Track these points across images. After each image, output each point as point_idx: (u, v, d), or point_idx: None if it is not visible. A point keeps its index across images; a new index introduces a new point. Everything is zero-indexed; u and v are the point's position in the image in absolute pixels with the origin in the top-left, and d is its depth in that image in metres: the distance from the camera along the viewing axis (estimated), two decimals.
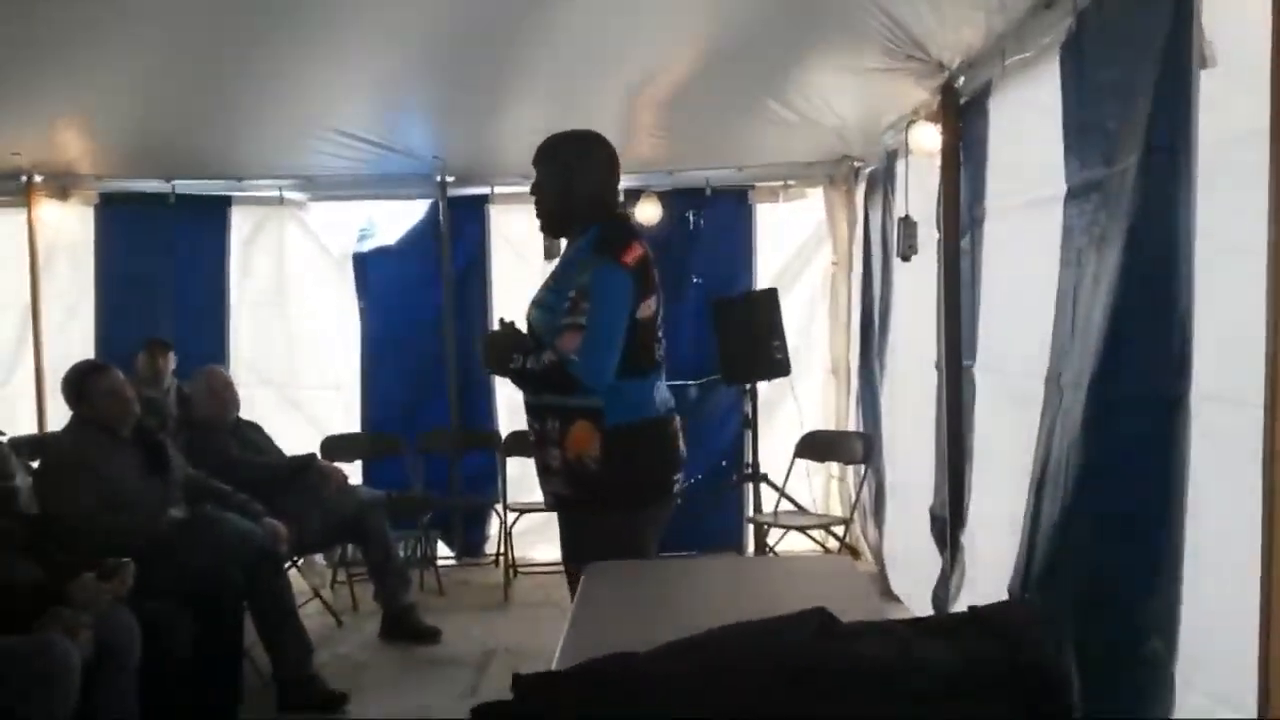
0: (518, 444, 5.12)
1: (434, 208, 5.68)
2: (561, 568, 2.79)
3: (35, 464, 4.21)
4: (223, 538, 3.56)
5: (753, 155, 5.27)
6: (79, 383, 3.55)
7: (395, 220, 5.79)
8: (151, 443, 3.63)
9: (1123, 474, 2.35)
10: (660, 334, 2.67)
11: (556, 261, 2.76)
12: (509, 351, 2.58)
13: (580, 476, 2.54)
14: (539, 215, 2.70)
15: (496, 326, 2.69)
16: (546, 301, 2.59)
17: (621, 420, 2.53)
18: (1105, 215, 2.47)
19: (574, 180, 2.61)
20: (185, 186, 5.44)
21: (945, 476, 3.75)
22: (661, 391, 2.67)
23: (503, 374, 2.67)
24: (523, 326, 2.66)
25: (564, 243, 2.78)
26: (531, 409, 2.63)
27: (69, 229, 5.51)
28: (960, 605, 3.48)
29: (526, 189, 5.98)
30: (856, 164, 5.33)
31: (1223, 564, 2.03)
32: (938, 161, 3.76)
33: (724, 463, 5.67)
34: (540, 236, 5.34)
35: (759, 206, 5.73)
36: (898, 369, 4.66)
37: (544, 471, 2.64)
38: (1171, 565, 2.14)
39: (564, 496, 2.61)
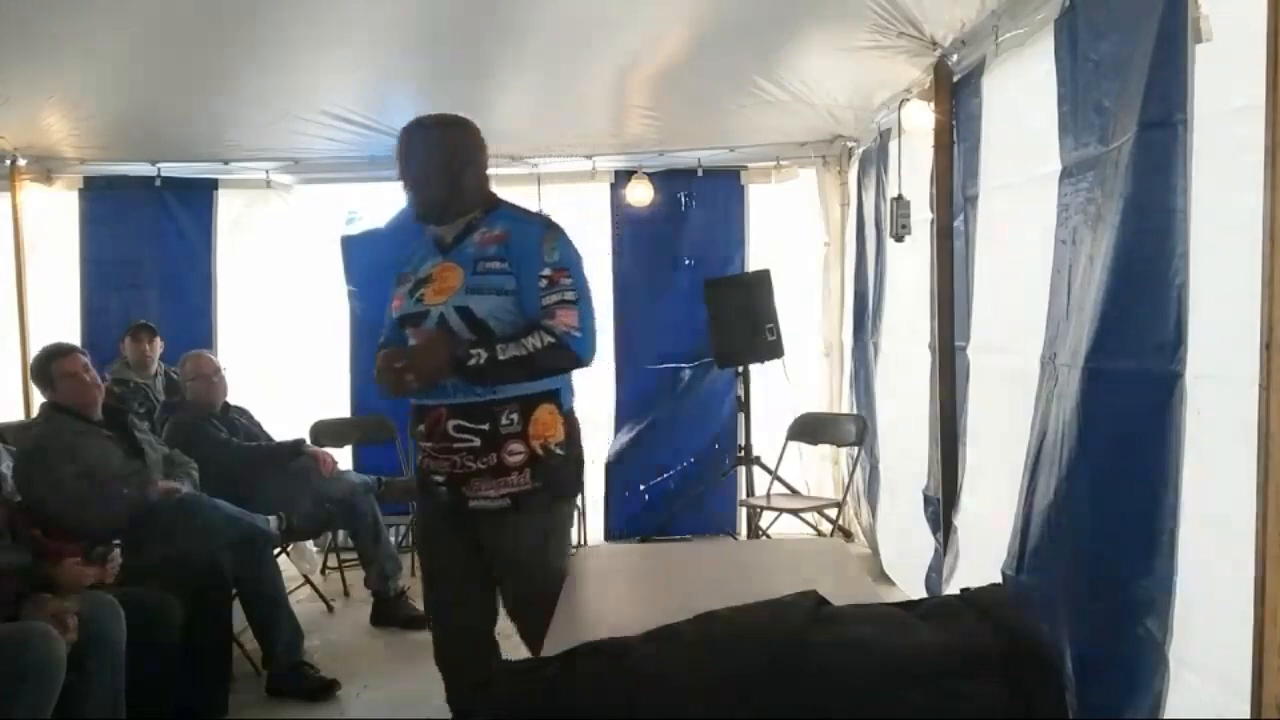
0: None
1: None
2: None
3: None
4: (209, 522, 3.54)
5: (744, 135, 5.23)
6: (44, 367, 3.54)
7: (383, 203, 5.74)
8: (121, 425, 3.60)
9: (1118, 453, 2.33)
10: None
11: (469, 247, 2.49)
12: (453, 350, 2.34)
13: (544, 466, 2.44)
14: (419, 202, 2.52)
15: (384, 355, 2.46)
16: (503, 286, 2.40)
17: (571, 402, 2.53)
18: (1101, 193, 2.44)
19: (458, 163, 2.49)
20: (171, 169, 5.39)
21: (939, 458, 3.73)
22: None
23: (450, 377, 2.36)
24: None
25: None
26: (477, 410, 2.40)
27: (54, 213, 5.46)
28: (954, 587, 3.47)
29: (515, 171, 5.93)
30: (849, 144, 5.29)
31: (1217, 544, 2.02)
32: (930, 140, 3.73)
33: (717, 446, 5.67)
34: None
35: (751, 187, 5.70)
36: (891, 350, 4.64)
37: (496, 474, 2.41)
38: (1166, 545, 2.13)
39: (524, 494, 2.42)
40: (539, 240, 2.45)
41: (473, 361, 2.33)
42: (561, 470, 2.47)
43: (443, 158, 2.49)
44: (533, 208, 5.36)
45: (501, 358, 2.33)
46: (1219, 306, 2.03)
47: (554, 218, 5.87)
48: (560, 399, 2.48)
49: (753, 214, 5.72)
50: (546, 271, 2.40)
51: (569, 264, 2.44)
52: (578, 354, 2.41)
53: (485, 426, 2.40)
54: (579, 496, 2.62)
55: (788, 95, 4.55)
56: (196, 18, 3.69)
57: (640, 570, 3.84)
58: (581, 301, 2.42)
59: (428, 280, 2.47)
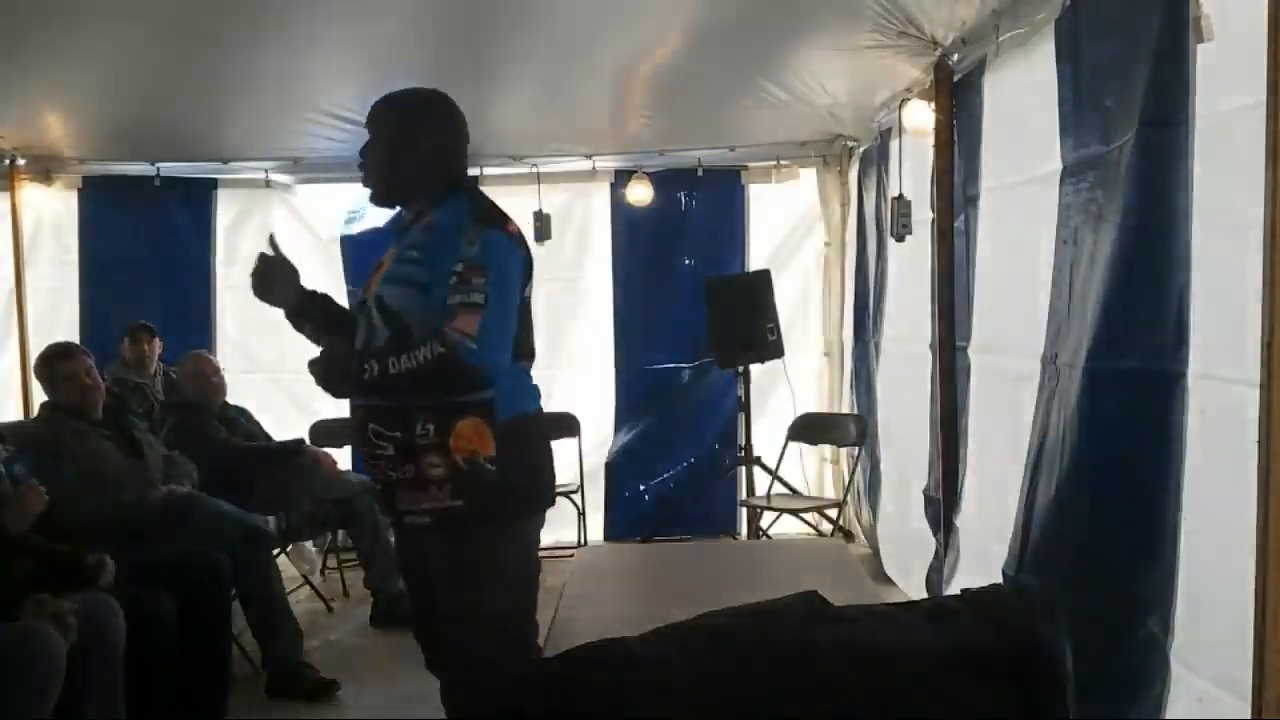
0: None
1: None
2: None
3: None
4: (209, 522, 3.54)
5: (745, 135, 5.23)
6: (47, 367, 3.54)
7: None
8: (121, 425, 3.61)
9: (1119, 454, 2.33)
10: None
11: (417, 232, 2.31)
12: (348, 361, 2.18)
13: (474, 483, 2.13)
14: (366, 182, 2.37)
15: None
16: (413, 277, 2.20)
17: (516, 413, 2.20)
18: (1102, 192, 2.44)
19: (407, 140, 2.29)
20: (170, 169, 5.38)
21: (939, 458, 3.73)
22: None
23: (344, 386, 2.24)
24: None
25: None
26: (389, 414, 2.17)
27: (53, 212, 5.46)
28: (954, 588, 3.47)
29: (515, 171, 5.93)
30: (850, 143, 5.29)
31: (1219, 544, 2.02)
32: (931, 140, 3.73)
33: (717, 446, 5.67)
34: (533, 217, 5.33)
35: (751, 187, 5.69)
36: (892, 350, 4.64)
37: (416, 487, 2.17)
38: (1168, 545, 2.13)
39: (453, 511, 2.15)
40: (460, 229, 2.16)
41: (367, 375, 2.13)
42: (494, 490, 2.14)
43: (388, 138, 2.30)
44: (532, 208, 5.41)
45: (393, 371, 2.10)
46: (1220, 306, 2.03)
47: (554, 218, 5.75)
48: (493, 409, 2.14)
49: (753, 214, 5.71)
50: (459, 267, 2.10)
51: (489, 262, 2.12)
52: (471, 365, 2.08)
53: (398, 434, 2.16)
54: (530, 521, 2.29)
55: (788, 95, 4.55)
56: (196, 18, 3.68)
57: (640, 570, 3.84)
58: (489, 306, 2.09)
59: (378, 267, 2.34)
